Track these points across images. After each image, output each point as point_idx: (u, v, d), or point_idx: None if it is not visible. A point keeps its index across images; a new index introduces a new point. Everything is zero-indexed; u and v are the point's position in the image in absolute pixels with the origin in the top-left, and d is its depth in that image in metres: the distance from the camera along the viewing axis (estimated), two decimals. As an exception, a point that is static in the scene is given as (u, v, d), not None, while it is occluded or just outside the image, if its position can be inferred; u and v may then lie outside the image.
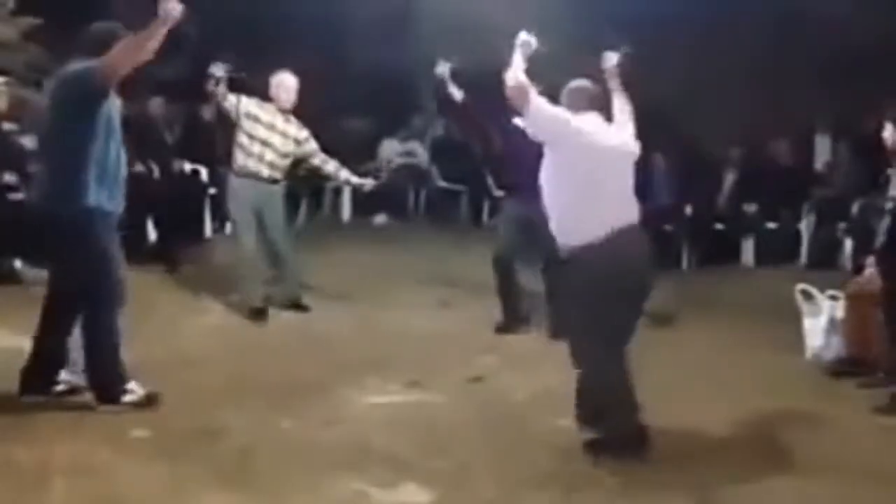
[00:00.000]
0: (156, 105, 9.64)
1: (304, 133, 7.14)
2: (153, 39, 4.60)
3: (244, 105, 6.96)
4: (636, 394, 4.67)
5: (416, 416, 5.08)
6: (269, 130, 6.98)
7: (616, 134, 4.87)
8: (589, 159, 4.62)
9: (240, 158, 6.99)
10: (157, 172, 9.03)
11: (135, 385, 4.89)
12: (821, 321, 6.38)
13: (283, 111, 7.05)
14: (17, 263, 7.25)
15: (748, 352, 6.52)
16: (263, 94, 7.15)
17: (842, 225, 9.35)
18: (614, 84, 5.16)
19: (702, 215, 10.06)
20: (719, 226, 10.16)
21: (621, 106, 5.09)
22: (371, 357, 6.03)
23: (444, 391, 5.44)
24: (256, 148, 6.94)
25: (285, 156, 7.06)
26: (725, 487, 4.31)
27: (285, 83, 7.07)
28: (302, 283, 7.31)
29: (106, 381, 4.88)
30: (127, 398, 4.86)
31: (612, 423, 4.61)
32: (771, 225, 9.97)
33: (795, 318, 6.52)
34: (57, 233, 4.81)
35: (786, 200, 9.95)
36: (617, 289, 4.56)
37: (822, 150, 10.53)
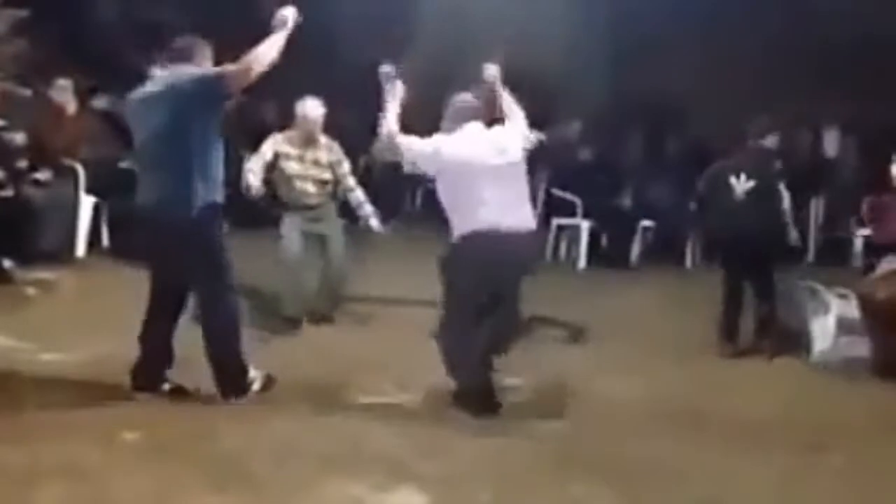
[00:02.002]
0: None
1: (335, 156, 7.01)
2: (274, 50, 4.87)
3: (272, 149, 6.86)
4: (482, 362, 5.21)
5: (412, 418, 5.02)
6: (300, 164, 6.91)
7: (493, 145, 5.26)
8: (460, 177, 5.17)
9: (284, 192, 6.94)
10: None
11: (253, 371, 5.01)
12: (829, 320, 6.29)
13: (310, 139, 6.90)
14: (7, 262, 7.11)
15: (753, 351, 6.50)
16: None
17: (851, 221, 9.28)
18: (500, 92, 5.55)
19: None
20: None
21: (510, 110, 5.52)
22: (367, 358, 5.96)
23: (440, 393, 5.34)
24: (297, 184, 6.90)
25: (325, 183, 6.98)
26: (731, 486, 4.26)
27: (308, 113, 6.86)
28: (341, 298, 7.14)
29: (233, 375, 4.98)
30: (255, 387, 5.01)
31: (460, 383, 5.17)
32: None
33: (801, 316, 6.46)
34: (179, 232, 4.92)
35: (794, 197, 9.87)
36: (481, 276, 5.12)
37: (831, 145, 10.47)
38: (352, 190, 7.09)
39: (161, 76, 5.08)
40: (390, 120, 5.39)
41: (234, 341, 5.01)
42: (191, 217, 4.87)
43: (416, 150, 5.32)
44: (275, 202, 7.06)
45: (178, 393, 5.03)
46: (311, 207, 6.95)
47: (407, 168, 5.44)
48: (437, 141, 5.32)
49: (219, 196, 4.97)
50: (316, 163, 6.92)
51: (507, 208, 5.17)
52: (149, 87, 5.05)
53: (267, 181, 6.91)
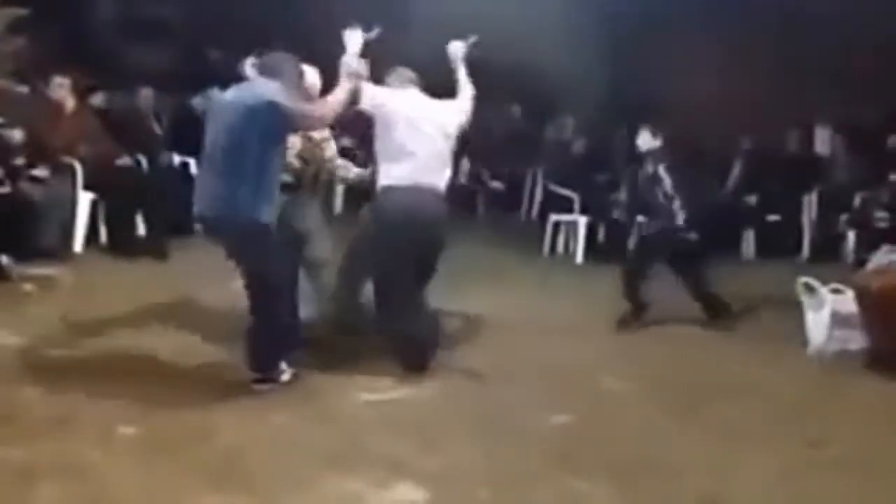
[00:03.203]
0: (145, 96, 9.51)
1: (324, 133, 6.14)
2: (344, 99, 5.22)
3: None
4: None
5: (410, 413, 5.02)
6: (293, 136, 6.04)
7: (430, 110, 5.73)
8: (394, 127, 5.58)
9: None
10: (145, 165, 8.91)
11: (284, 365, 5.22)
12: (823, 314, 6.31)
13: None
14: (4, 259, 7.12)
15: (749, 346, 6.48)
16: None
17: (844, 217, 9.34)
18: (461, 73, 5.98)
19: (702, 207, 10.00)
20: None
21: (463, 87, 5.96)
22: (364, 354, 5.90)
23: (438, 388, 5.38)
24: (292, 161, 5.96)
25: (307, 161, 6.10)
26: (730, 480, 4.27)
27: (307, 80, 5.92)
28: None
29: (265, 363, 5.16)
30: (284, 378, 5.20)
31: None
32: (772, 217, 9.92)
33: (797, 312, 6.47)
34: (230, 243, 5.09)
35: (787, 192, 9.92)
36: (402, 235, 5.52)
37: (823, 142, 10.51)
38: (343, 167, 6.39)
39: (245, 86, 5.15)
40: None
41: (273, 343, 5.18)
42: (238, 234, 5.01)
43: (368, 93, 5.60)
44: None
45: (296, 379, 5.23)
46: (301, 189, 6.10)
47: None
48: (387, 93, 5.70)
49: (269, 217, 5.02)
50: (308, 138, 6.13)
51: (428, 169, 5.62)
52: (232, 93, 5.12)
53: None
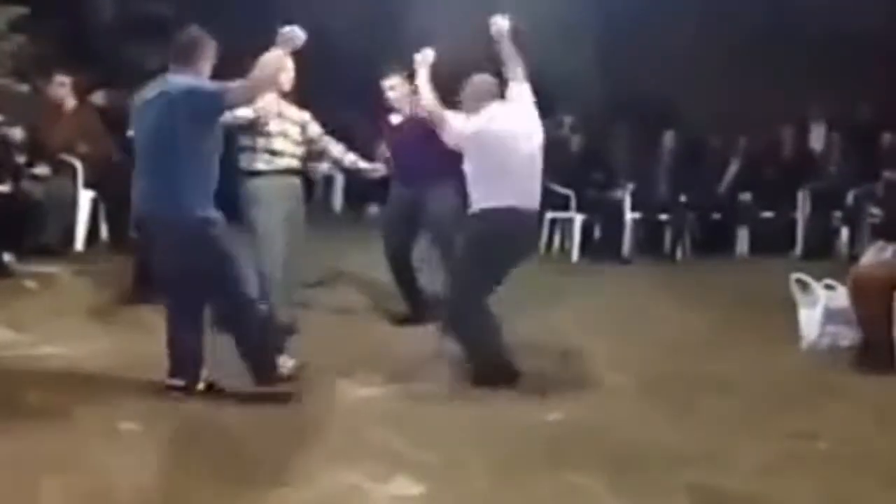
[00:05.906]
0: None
1: (304, 115, 6.22)
2: (276, 65, 4.95)
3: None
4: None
5: (408, 408, 5.04)
6: (280, 120, 6.05)
7: (518, 121, 5.44)
8: (493, 156, 5.31)
9: (262, 159, 6.03)
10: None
11: (283, 359, 5.10)
12: (817, 311, 6.35)
13: (281, 94, 6.14)
14: (6, 256, 7.17)
15: (742, 341, 6.49)
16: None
17: (837, 214, 9.37)
18: (508, 50, 5.49)
19: (697, 204, 10.05)
20: (715, 215, 10.15)
21: (519, 88, 5.51)
22: (363, 349, 5.98)
23: (436, 383, 5.40)
24: (278, 143, 6.05)
25: (300, 144, 6.18)
26: (724, 474, 4.27)
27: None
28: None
29: (263, 370, 5.01)
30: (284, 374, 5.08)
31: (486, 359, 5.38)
32: (766, 214, 9.96)
33: (790, 309, 6.50)
34: (183, 240, 4.82)
35: (781, 189, 9.95)
36: (503, 249, 5.34)
37: (817, 139, 10.55)
38: (330, 143, 6.41)
39: (162, 80, 4.95)
40: (429, 94, 5.67)
41: (262, 348, 5.03)
42: (181, 232, 4.80)
43: (457, 129, 5.48)
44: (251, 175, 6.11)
45: (211, 390, 4.99)
46: (292, 175, 6.12)
47: (445, 139, 5.58)
48: (477, 122, 5.43)
49: (212, 211, 4.84)
50: (292, 121, 6.06)
51: (526, 189, 5.43)
52: (150, 90, 4.94)
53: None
